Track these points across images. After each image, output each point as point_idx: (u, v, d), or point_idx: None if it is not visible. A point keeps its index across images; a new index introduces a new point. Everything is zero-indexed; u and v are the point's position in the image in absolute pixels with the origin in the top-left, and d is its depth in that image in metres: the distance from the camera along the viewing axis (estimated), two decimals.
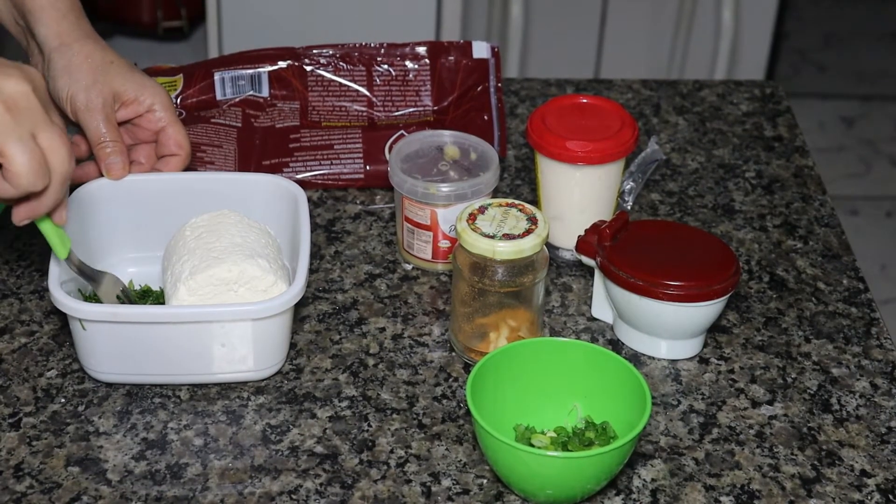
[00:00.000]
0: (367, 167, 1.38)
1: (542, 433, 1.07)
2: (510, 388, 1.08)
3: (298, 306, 1.21)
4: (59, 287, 1.08)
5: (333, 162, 1.38)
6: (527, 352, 1.08)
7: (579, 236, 1.21)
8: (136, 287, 1.21)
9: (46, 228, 1.08)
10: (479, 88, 1.43)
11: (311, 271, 1.27)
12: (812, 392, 1.15)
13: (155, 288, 1.21)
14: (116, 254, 1.22)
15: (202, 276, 1.09)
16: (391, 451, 1.08)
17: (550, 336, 1.20)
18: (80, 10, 1.22)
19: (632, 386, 1.04)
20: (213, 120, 1.40)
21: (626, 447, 0.99)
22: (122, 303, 1.16)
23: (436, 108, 1.43)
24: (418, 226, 1.26)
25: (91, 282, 1.14)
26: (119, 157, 1.20)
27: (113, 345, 1.09)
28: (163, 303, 1.17)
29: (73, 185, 1.20)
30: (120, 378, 1.12)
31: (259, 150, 1.38)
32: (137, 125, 1.23)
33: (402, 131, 1.40)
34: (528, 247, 1.12)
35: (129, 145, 1.24)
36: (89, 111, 1.19)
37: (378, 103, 1.43)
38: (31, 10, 1.20)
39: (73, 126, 1.22)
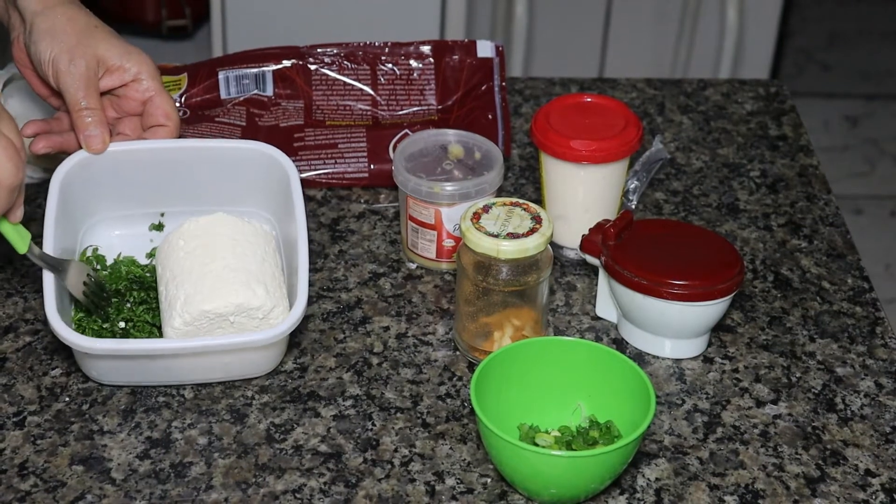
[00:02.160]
0: (372, 166, 1.38)
1: (547, 432, 1.07)
2: (514, 388, 1.08)
3: None
4: (60, 318, 1.07)
5: (338, 161, 1.38)
6: (531, 351, 1.08)
7: (583, 235, 1.21)
8: (122, 257, 1.21)
9: (2, 227, 1.08)
10: (483, 87, 1.43)
11: (315, 270, 1.27)
12: (816, 391, 1.15)
13: (143, 262, 1.21)
14: (101, 213, 1.21)
15: (197, 311, 1.09)
16: (395, 450, 1.08)
17: (555, 335, 1.20)
18: None
19: (636, 385, 1.04)
20: (217, 119, 1.40)
21: (630, 446, 0.99)
22: (89, 289, 1.14)
23: (440, 107, 1.43)
24: (422, 225, 1.26)
25: (55, 271, 1.10)
26: (98, 129, 1.15)
27: (114, 363, 1.10)
28: (150, 285, 1.18)
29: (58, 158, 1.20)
30: (123, 383, 1.12)
31: None
32: (123, 96, 1.19)
33: (407, 130, 1.40)
34: (532, 246, 1.12)
35: (114, 118, 1.20)
36: (70, 74, 1.14)
37: (382, 102, 1.43)
38: None
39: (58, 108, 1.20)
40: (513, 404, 1.07)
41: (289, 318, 1.08)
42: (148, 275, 1.20)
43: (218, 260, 1.11)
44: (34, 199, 1.34)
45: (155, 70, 1.19)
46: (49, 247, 1.10)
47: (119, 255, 1.21)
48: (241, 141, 1.21)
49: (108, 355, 1.08)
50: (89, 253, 1.21)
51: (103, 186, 1.19)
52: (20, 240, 1.09)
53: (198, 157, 1.20)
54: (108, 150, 1.16)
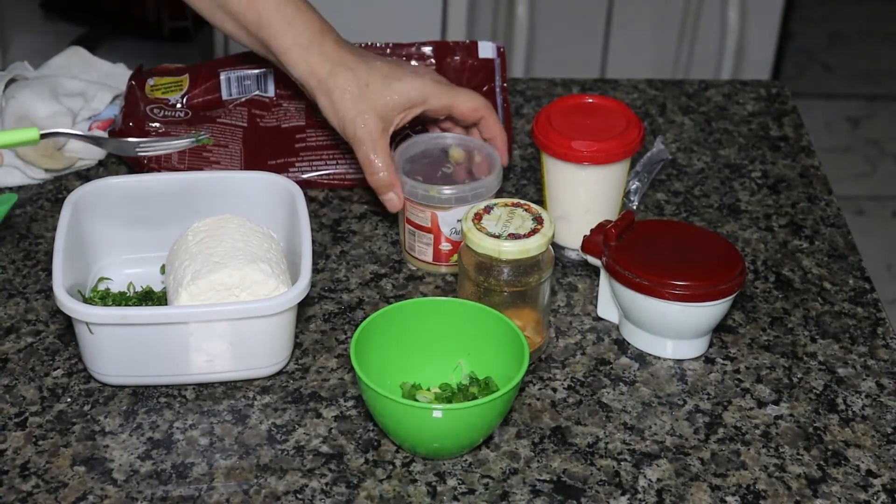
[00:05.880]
0: None
1: (428, 390, 1.10)
2: (394, 348, 1.10)
3: (304, 306, 1.21)
4: (65, 290, 1.08)
5: (339, 162, 1.38)
6: (409, 312, 1.11)
7: (585, 236, 1.21)
8: (138, 289, 1.21)
9: None
10: (484, 88, 1.43)
11: (317, 271, 1.27)
12: (818, 392, 1.15)
13: (157, 290, 1.21)
14: (114, 255, 1.22)
15: (203, 282, 1.09)
16: (396, 451, 1.08)
17: (556, 336, 1.20)
18: (322, 33, 1.23)
19: (511, 340, 1.08)
20: (218, 120, 1.40)
21: (504, 398, 1.02)
22: None
23: None
24: (419, 228, 1.25)
25: None
26: (392, 193, 1.23)
27: (119, 346, 1.09)
28: (161, 296, 1.19)
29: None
30: (125, 380, 1.12)
31: (265, 149, 1.38)
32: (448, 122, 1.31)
33: (408, 132, 1.40)
34: (533, 246, 1.12)
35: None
36: (356, 142, 1.22)
37: None
38: (278, 54, 1.23)
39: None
40: (394, 365, 1.10)
41: (296, 287, 1.09)
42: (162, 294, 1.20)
43: (226, 243, 1.13)
44: (35, 199, 1.34)
45: (439, 90, 1.26)
46: (58, 282, 1.09)
47: (130, 283, 1.21)
48: (248, 172, 1.24)
49: (111, 324, 1.07)
50: (101, 287, 1.21)
51: (113, 225, 1.21)
52: None
53: (206, 189, 1.22)
54: (117, 181, 1.21)
